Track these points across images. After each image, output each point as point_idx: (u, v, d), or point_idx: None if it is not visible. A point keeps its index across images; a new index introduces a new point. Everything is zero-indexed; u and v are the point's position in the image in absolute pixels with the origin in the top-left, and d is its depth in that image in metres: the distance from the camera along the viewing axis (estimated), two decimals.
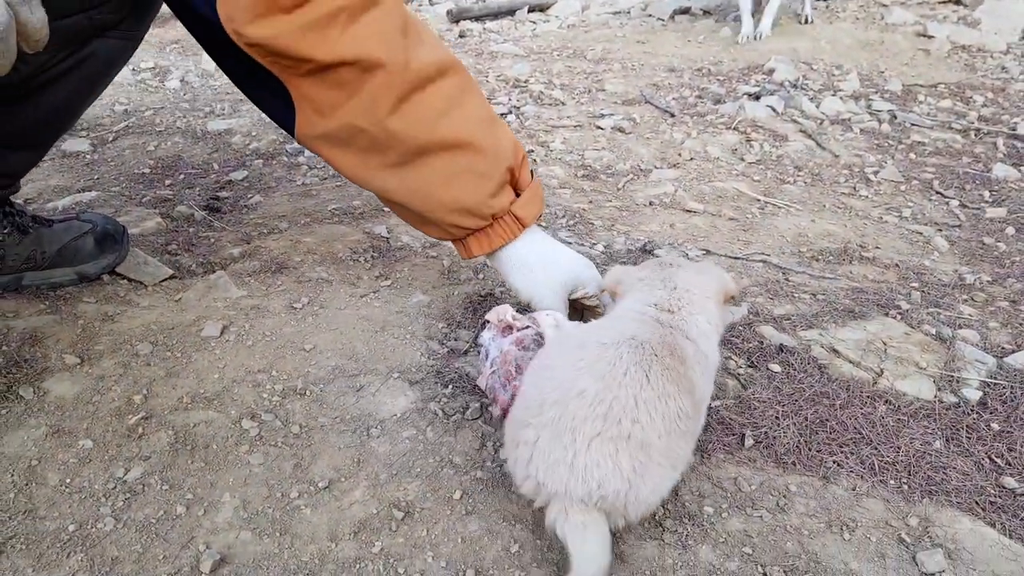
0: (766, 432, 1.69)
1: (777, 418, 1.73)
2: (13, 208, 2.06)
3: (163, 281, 2.17)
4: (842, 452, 1.65)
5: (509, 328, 1.76)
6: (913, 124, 4.03)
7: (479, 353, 1.79)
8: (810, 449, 1.65)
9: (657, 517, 1.46)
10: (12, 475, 1.48)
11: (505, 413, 1.66)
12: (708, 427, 1.69)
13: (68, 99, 1.87)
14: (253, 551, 1.36)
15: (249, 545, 1.37)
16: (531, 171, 1.90)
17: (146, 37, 2.09)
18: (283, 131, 1.86)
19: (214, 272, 2.24)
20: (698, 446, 1.64)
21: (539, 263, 1.85)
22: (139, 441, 1.58)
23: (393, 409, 1.72)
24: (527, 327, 1.75)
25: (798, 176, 3.29)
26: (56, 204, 2.67)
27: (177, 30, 5.58)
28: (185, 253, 2.38)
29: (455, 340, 2.00)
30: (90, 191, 2.82)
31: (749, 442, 1.66)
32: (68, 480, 1.48)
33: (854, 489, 1.56)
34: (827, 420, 1.73)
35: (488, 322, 1.79)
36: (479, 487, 1.51)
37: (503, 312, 1.79)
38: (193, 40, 1.82)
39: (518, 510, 1.45)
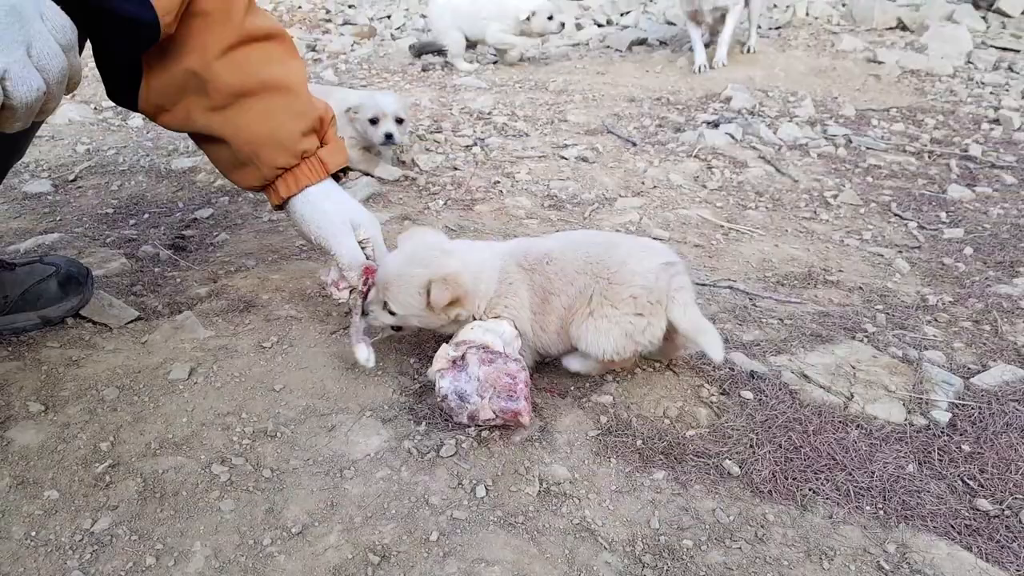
0: (742, 461, 1.69)
1: (752, 446, 1.74)
2: None
3: (129, 323, 2.13)
4: (817, 479, 1.66)
5: (453, 363, 1.77)
6: (868, 148, 4.12)
7: (443, 403, 1.77)
8: (786, 477, 1.66)
9: (636, 552, 1.46)
10: None
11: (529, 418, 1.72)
12: (684, 457, 1.70)
13: None
14: None
15: None
16: (338, 135, 2.13)
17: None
18: None
19: (181, 312, 2.20)
20: (675, 477, 1.65)
21: (331, 203, 2.05)
22: (106, 490, 1.54)
23: (366, 449, 1.70)
24: (467, 350, 1.78)
25: (759, 201, 3.35)
26: (18, 246, 2.61)
27: None
28: (151, 294, 2.35)
29: (427, 376, 1.98)
30: (53, 232, 2.77)
31: (727, 472, 1.66)
32: (33, 533, 1.44)
33: (831, 516, 1.56)
34: (801, 447, 1.74)
35: (440, 371, 1.77)
36: (456, 527, 1.49)
37: (442, 354, 1.80)
38: None
39: (498, 550, 1.44)
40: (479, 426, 1.75)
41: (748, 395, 1.91)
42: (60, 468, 1.59)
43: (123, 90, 1.91)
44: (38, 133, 4.11)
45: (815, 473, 1.67)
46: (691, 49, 6.27)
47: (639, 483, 1.63)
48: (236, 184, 2.09)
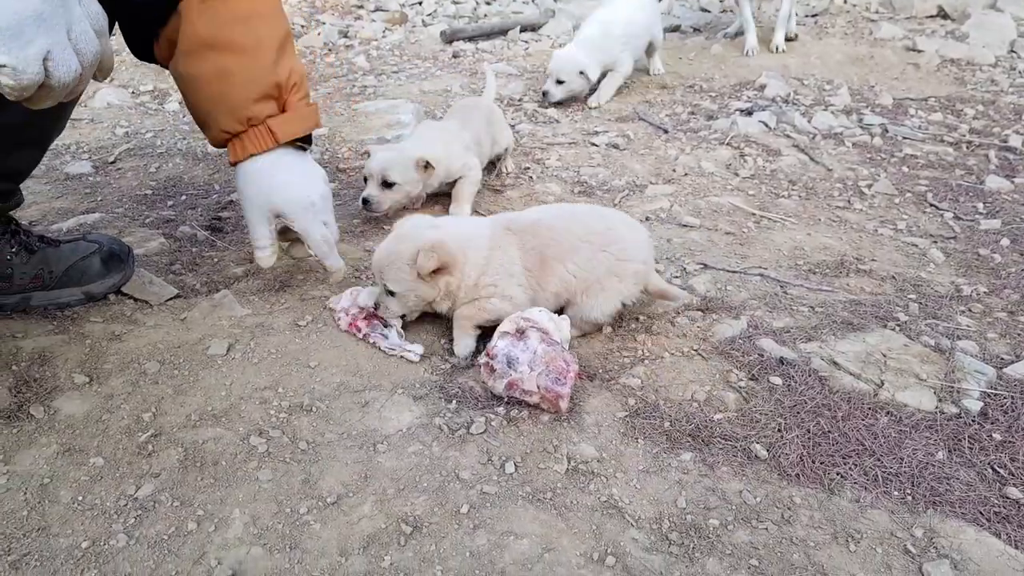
0: (770, 445, 1.71)
1: (780, 430, 1.75)
2: (19, 227, 2.08)
3: (168, 300, 2.19)
4: (845, 464, 1.66)
5: (517, 331, 1.81)
6: (905, 137, 4.07)
7: (491, 361, 1.81)
8: (813, 461, 1.67)
9: (663, 530, 1.48)
10: (25, 493, 1.49)
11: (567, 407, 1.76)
12: (711, 440, 1.71)
13: None
14: (264, 566, 1.37)
15: (260, 560, 1.38)
16: (310, 102, 2.04)
17: (142, 63, 2.13)
18: None
19: (218, 291, 2.25)
20: (702, 458, 1.66)
21: (261, 179, 1.97)
22: (149, 458, 1.60)
23: (398, 424, 1.74)
24: (529, 327, 1.84)
25: (792, 190, 3.33)
26: (60, 226, 2.68)
27: None
28: (189, 273, 2.40)
29: (456, 354, 2.02)
30: (94, 212, 2.84)
31: (754, 455, 1.67)
32: (80, 497, 1.50)
33: (858, 500, 1.57)
34: (829, 432, 1.75)
35: (503, 332, 1.83)
36: (486, 501, 1.52)
37: (511, 319, 1.87)
38: None
39: (526, 524, 1.47)
40: (512, 399, 1.78)
41: (777, 381, 1.92)
42: (105, 437, 1.65)
43: (144, 47, 1.94)
44: (79, 116, 4.20)
45: (843, 458, 1.68)
46: (725, 36, 6.22)
47: (666, 464, 1.65)
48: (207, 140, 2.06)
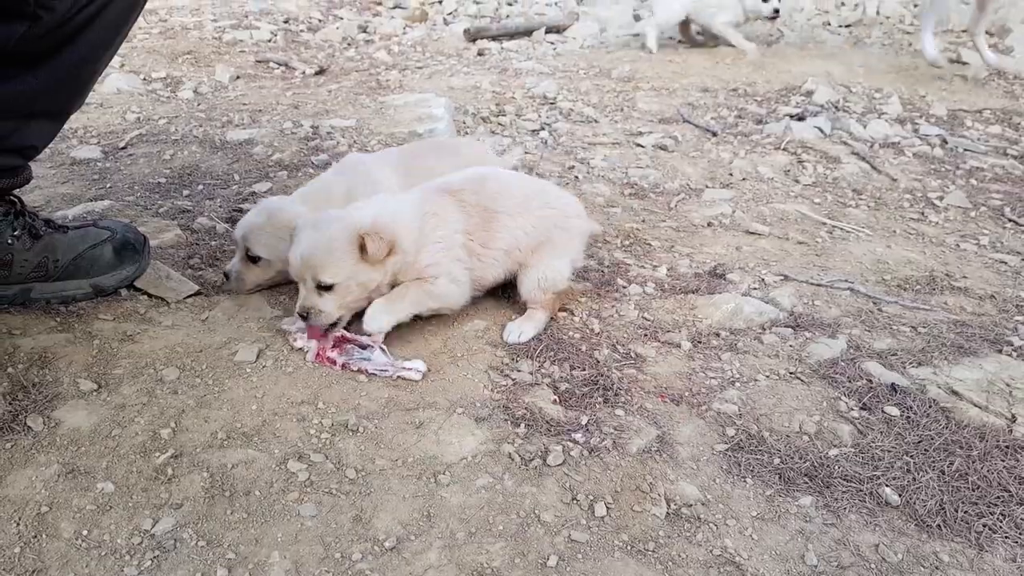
0: (901, 488, 1.44)
1: (909, 471, 1.49)
2: (24, 208, 1.82)
3: (188, 297, 1.93)
4: (991, 514, 1.40)
5: None
6: (966, 149, 3.82)
7: None
8: (955, 509, 1.40)
9: None
10: (18, 524, 1.23)
11: None
12: (831, 481, 1.45)
13: (89, 52, 1.67)
14: None
15: None
16: None
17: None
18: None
19: None
20: (824, 503, 1.40)
21: None
22: (169, 485, 1.33)
23: (461, 451, 1.47)
24: None
25: (859, 200, 3.08)
26: (66, 213, 2.42)
27: (188, 41, 5.34)
28: (209, 268, 2.14)
29: (518, 371, 1.75)
30: (103, 200, 2.58)
31: (884, 501, 1.41)
32: (85, 532, 1.23)
33: (1015, 559, 1.31)
34: (967, 474, 1.48)
35: None
36: (576, 552, 1.26)
37: None
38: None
39: None
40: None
41: (893, 411, 1.65)
42: (115, 456, 1.38)
43: None
44: (87, 101, 3.94)
45: (988, 506, 1.42)
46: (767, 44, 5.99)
47: (783, 509, 1.39)
48: None
